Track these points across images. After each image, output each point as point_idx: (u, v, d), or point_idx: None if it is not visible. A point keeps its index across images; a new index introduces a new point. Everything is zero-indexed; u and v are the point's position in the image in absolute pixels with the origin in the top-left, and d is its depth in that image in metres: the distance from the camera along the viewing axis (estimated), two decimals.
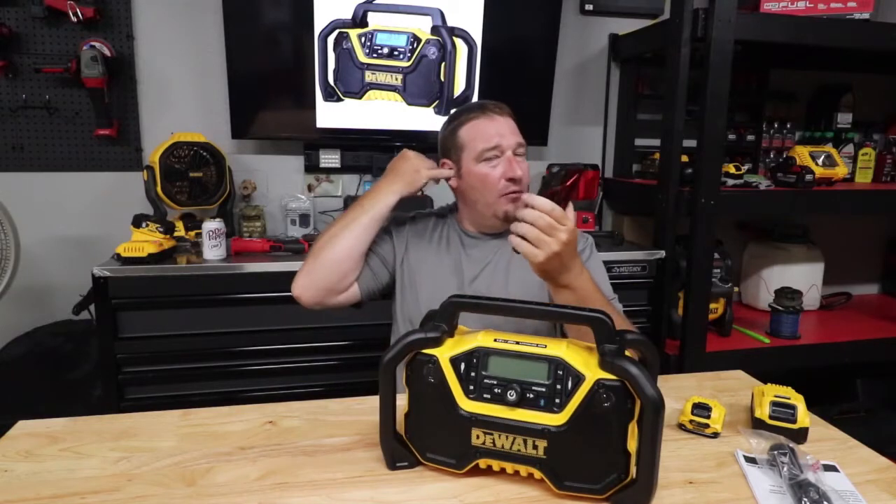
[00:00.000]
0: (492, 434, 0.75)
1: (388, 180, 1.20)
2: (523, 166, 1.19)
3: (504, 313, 0.81)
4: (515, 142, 1.19)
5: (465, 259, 1.25)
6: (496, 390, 0.75)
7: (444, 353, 0.77)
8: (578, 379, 0.72)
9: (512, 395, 0.73)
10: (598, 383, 0.70)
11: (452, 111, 1.28)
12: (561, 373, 0.73)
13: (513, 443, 0.74)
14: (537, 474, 0.75)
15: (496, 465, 0.77)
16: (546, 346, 0.76)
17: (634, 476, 0.72)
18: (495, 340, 0.77)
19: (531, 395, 0.73)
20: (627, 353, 0.72)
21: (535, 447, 0.73)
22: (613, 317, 0.91)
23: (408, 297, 1.25)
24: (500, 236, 1.26)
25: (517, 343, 0.77)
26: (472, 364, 0.76)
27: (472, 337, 0.79)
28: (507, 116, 1.21)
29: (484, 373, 0.76)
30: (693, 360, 1.91)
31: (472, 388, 0.76)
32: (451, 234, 1.29)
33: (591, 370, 0.72)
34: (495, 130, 1.18)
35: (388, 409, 0.79)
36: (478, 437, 0.76)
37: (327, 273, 1.18)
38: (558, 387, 0.73)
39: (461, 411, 0.75)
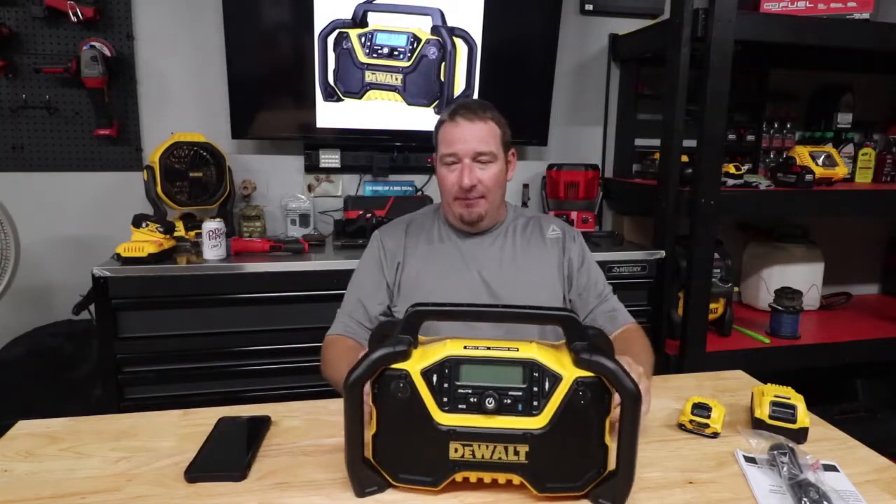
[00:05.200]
0: (471, 445, 0.72)
1: None
2: (481, 174, 1.20)
3: (471, 319, 0.77)
4: (472, 150, 1.20)
5: (466, 252, 1.28)
6: (472, 399, 0.72)
7: (414, 367, 0.73)
8: (556, 379, 0.71)
9: (490, 403, 0.71)
10: (578, 381, 0.70)
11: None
12: (536, 375, 0.72)
13: (493, 451, 0.72)
14: (517, 480, 0.74)
15: (474, 476, 0.75)
16: (518, 350, 0.74)
17: (613, 469, 0.72)
18: (465, 347, 0.74)
19: (508, 401, 0.72)
20: None
21: (516, 453, 0.72)
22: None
23: (416, 300, 1.25)
24: (490, 231, 1.29)
25: (488, 349, 0.74)
26: (444, 375, 0.73)
27: (440, 346, 0.75)
28: (479, 122, 1.21)
29: (457, 382, 0.72)
30: (693, 360, 1.91)
31: (445, 399, 0.72)
32: (444, 230, 1.32)
33: (567, 369, 0.71)
34: (456, 137, 1.20)
35: (355, 432, 0.74)
36: (456, 450, 0.73)
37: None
38: (535, 389, 0.72)
39: (437, 425, 0.72)
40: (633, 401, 0.68)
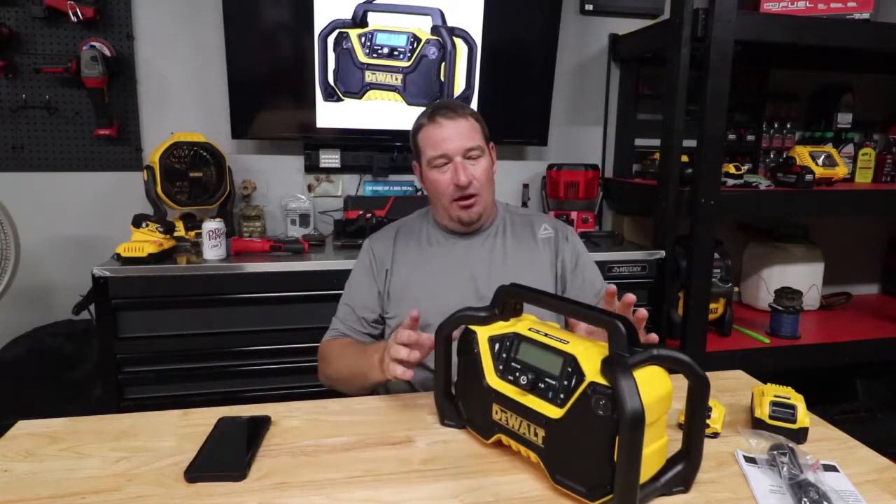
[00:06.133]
0: (507, 412, 0.81)
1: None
2: (474, 170, 1.20)
3: (538, 304, 0.85)
4: (462, 147, 1.19)
5: (456, 255, 1.27)
6: (517, 374, 0.80)
7: (485, 332, 0.86)
8: (581, 378, 0.72)
9: (524, 381, 0.77)
10: (591, 385, 0.70)
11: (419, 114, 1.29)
12: (570, 369, 0.74)
13: (521, 424, 0.79)
14: (541, 463, 0.77)
15: (514, 444, 0.81)
16: (567, 343, 0.78)
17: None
18: (530, 329, 0.83)
19: (542, 385, 0.77)
20: (647, 367, 0.71)
21: (535, 434, 0.76)
22: None
23: (405, 305, 1.25)
24: (480, 232, 1.29)
25: (546, 335, 0.80)
26: (506, 346, 0.84)
27: (514, 322, 0.87)
28: (460, 119, 1.21)
29: (514, 356, 0.82)
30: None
31: (501, 367, 0.83)
32: (433, 233, 1.31)
33: (592, 372, 0.72)
34: (441, 138, 1.20)
35: (440, 370, 0.92)
36: (496, 412, 0.82)
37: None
38: (566, 382, 0.74)
39: (486, 385, 0.83)
40: (631, 423, 0.64)
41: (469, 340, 0.87)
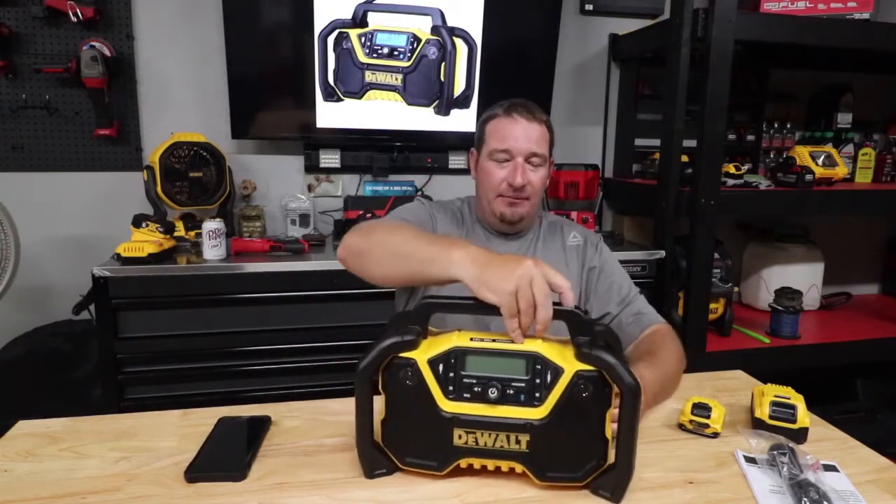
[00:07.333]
0: (474, 433, 0.75)
1: (469, 257, 0.82)
2: (532, 176, 1.18)
3: (478, 312, 0.78)
4: (528, 149, 1.17)
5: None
6: (476, 389, 0.75)
7: (421, 356, 0.76)
8: (557, 372, 0.73)
9: (493, 393, 0.74)
10: (578, 375, 0.72)
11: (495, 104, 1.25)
12: (539, 367, 0.74)
13: (495, 440, 0.75)
14: (518, 468, 0.76)
15: (477, 463, 0.77)
16: (522, 343, 0.76)
17: (613, 461, 0.74)
18: (471, 340, 0.77)
19: (511, 392, 0.74)
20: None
21: (517, 442, 0.74)
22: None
23: (431, 288, 1.23)
24: (518, 237, 1.26)
25: (493, 341, 0.76)
26: (451, 364, 0.76)
27: (447, 337, 0.78)
28: (535, 122, 1.19)
29: (463, 372, 0.75)
30: (693, 360, 1.90)
31: (451, 388, 0.75)
32: (476, 228, 1.28)
33: (568, 362, 0.73)
34: (511, 133, 1.17)
35: (365, 417, 0.78)
36: (459, 436, 0.76)
37: (368, 276, 1.03)
38: (537, 381, 0.74)
39: (442, 412, 0.75)
40: (632, 394, 0.70)
41: (405, 372, 0.76)
